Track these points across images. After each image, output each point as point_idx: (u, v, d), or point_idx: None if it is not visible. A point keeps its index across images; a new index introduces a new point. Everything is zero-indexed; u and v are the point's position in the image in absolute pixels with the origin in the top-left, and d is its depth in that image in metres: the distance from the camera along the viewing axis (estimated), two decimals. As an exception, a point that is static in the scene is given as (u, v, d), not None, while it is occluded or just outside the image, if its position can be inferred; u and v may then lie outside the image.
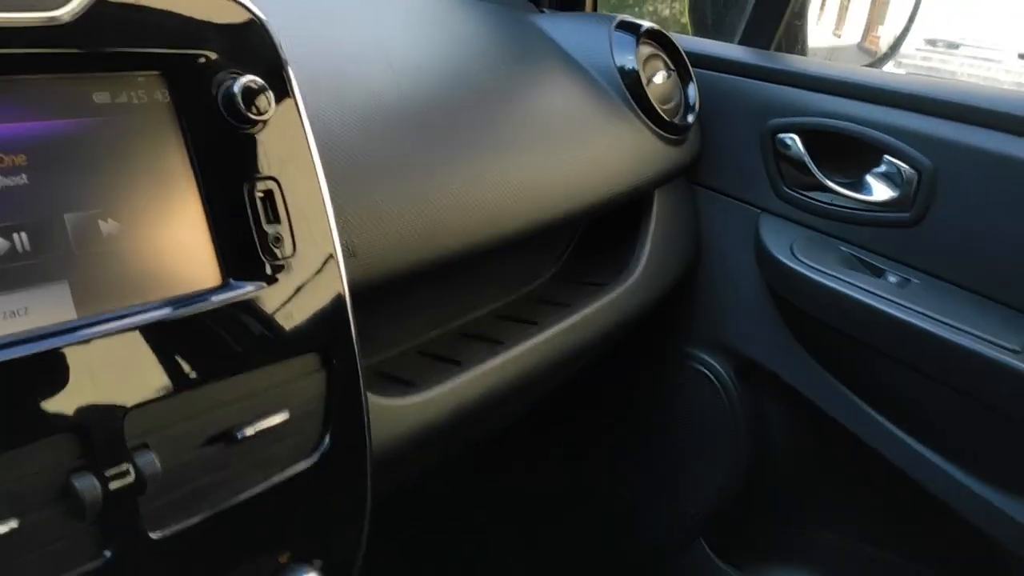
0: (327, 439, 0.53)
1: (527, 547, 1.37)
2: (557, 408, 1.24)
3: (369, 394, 0.68)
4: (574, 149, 0.90)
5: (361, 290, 0.64)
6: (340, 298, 0.54)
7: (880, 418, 1.02)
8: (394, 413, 0.70)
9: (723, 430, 1.16)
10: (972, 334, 0.91)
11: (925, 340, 0.92)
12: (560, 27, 1.05)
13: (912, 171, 0.98)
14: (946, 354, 0.91)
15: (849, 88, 1.03)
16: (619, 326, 0.99)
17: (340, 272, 0.54)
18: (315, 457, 0.53)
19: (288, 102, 0.52)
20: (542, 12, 1.17)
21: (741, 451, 1.15)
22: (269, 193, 0.50)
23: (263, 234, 0.50)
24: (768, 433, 1.17)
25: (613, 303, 0.97)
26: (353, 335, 0.55)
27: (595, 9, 1.28)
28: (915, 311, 0.94)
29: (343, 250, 0.62)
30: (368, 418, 0.57)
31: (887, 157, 1.00)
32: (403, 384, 0.76)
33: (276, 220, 0.50)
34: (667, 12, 1.96)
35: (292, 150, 0.52)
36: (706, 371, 1.16)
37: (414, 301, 0.86)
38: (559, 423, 1.29)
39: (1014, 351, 0.89)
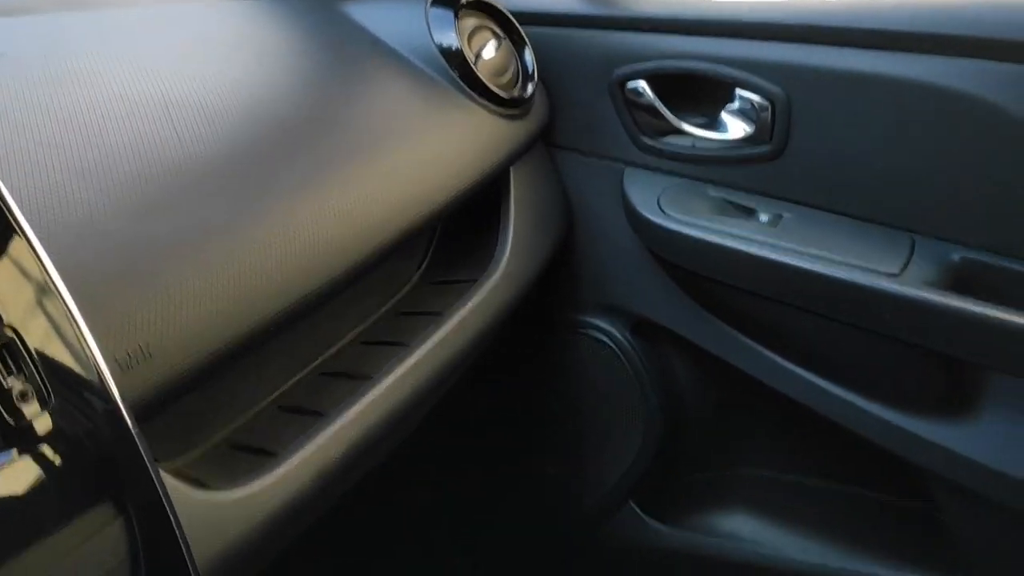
0: (142, 578, 0.47)
1: (458, 535, 1.34)
2: (459, 400, 1.20)
3: (216, 491, 0.62)
4: (405, 153, 0.83)
5: (168, 393, 0.58)
6: (121, 428, 0.47)
7: (776, 358, 0.99)
8: (250, 502, 0.64)
9: (630, 391, 1.13)
10: (849, 264, 0.88)
11: (803, 278, 0.89)
12: (373, 14, 0.97)
13: (765, 102, 0.94)
14: (826, 288, 0.89)
15: (689, 25, 0.97)
16: (496, 322, 0.94)
17: (114, 400, 0.47)
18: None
19: (16, 242, 0.45)
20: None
21: (652, 409, 1.12)
22: (9, 344, 0.43)
23: (6, 393, 0.43)
24: (675, 387, 1.14)
25: (485, 300, 0.92)
26: (147, 463, 0.48)
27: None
28: (789, 249, 0.90)
29: (137, 354, 0.56)
30: (188, 546, 0.51)
31: (738, 91, 0.96)
32: (262, 454, 0.71)
33: (19, 371, 0.44)
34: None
35: (28, 288, 0.45)
36: (602, 336, 1.12)
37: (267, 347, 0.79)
38: (463, 414, 1.25)
39: (891, 275, 0.86)
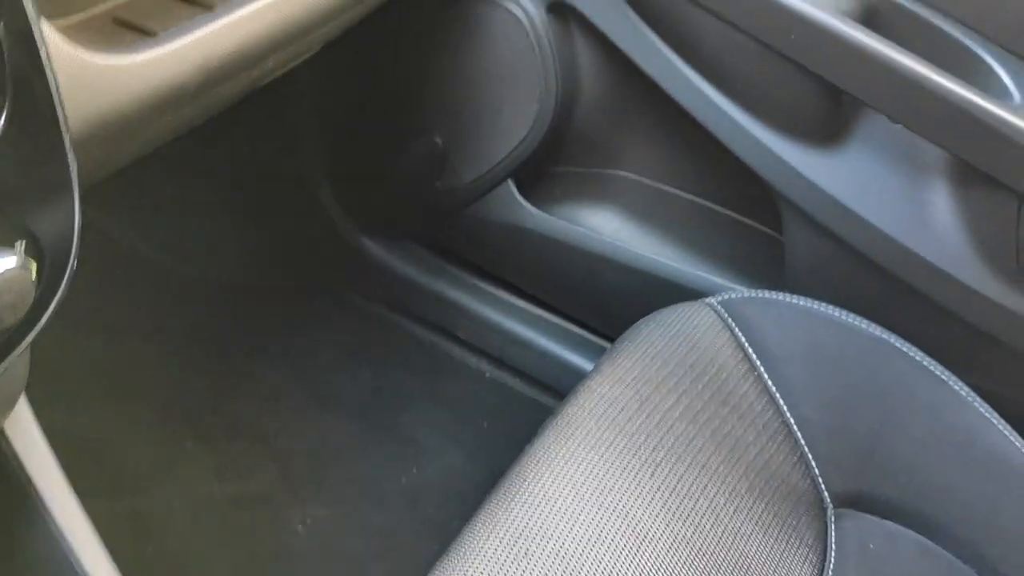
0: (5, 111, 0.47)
1: (340, 191, 1.37)
2: (359, 54, 1.17)
3: (95, 54, 0.60)
4: None
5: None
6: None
7: (683, 67, 1.00)
8: (127, 72, 0.62)
9: (532, 72, 1.12)
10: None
11: None
12: None
13: None
14: (747, 3, 0.88)
15: None
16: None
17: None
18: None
19: None
20: None
21: (549, 94, 1.13)
22: None
23: None
24: (576, 77, 1.14)
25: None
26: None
27: None
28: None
29: None
30: (55, 78, 0.50)
31: None
32: (142, 34, 0.68)
33: None
34: None
35: None
36: (516, 10, 1.09)
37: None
38: (360, 68, 1.23)
39: (808, -2, 0.87)
